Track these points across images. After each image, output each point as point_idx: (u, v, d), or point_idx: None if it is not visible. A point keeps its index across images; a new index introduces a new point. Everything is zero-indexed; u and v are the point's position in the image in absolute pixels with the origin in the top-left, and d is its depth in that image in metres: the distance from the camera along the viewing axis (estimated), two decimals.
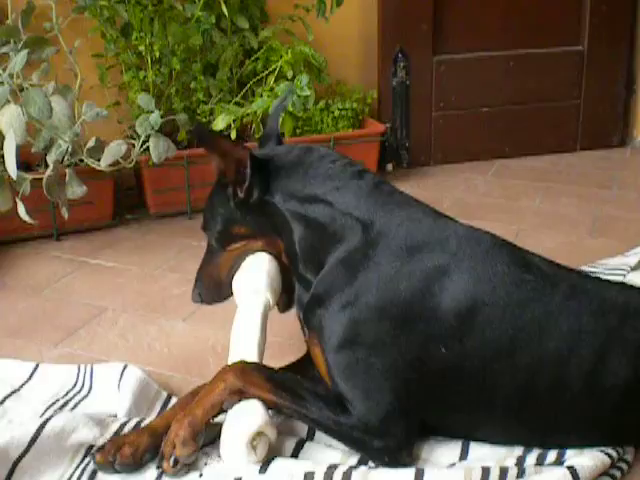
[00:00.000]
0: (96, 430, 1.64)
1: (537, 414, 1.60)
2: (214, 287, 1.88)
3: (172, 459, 1.55)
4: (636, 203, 3.19)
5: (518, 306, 1.56)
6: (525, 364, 1.56)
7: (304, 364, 1.80)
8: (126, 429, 1.68)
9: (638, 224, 2.94)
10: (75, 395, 1.88)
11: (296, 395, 1.58)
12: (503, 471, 1.53)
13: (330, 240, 1.67)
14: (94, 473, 1.58)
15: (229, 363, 1.64)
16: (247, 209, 1.76)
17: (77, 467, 1.60)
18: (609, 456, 1.58)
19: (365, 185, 1.71)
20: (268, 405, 1.58)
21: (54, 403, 1.83)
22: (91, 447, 1.63)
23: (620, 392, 1.57)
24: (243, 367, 1.60)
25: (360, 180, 1.72)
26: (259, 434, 1.54)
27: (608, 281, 1.76)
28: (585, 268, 2.40)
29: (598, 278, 1.78)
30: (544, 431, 1.62)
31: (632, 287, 1.74)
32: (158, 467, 1.57)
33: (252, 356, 1.66)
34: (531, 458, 1.60)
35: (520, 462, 1.58)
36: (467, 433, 1.66)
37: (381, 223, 1.64)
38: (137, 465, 1.58)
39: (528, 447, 1.63)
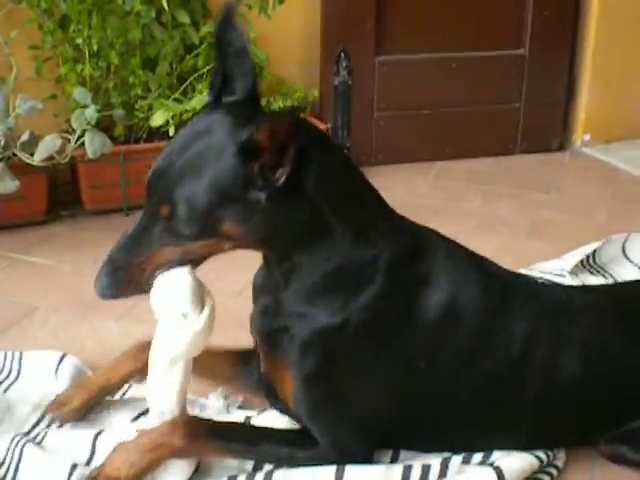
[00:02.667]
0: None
1: (495, 417, 1.63)
2: (137, 280, 1.47)
3: None
4: (574, 207, 3.22)
5: (491, 315, 1.57)
6: (490, 370, 1.57)
7: (242, 358, 1.77)
8: None
9: (575, 228, 2.97)
10: (4, 380, 1.89)
11: (249, 442, 1.54)
12: (425, 469, 1.54)
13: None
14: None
15: (154, 413, 1.53)
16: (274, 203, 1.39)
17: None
18: (538, 459, 1.60)
19: None
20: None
21: None
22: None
23: (571, 390, 1.60)
24: (188, 431, 1.49)
25: None
26: None
27: (552, 283, 1.81)
28: (522, 271, 2.41)
29: (540, 281, 1.85)
30: (491, 436, 1.64)
31: (573, 287, 1.79)
32: None
33: (176, 406, 1.52)
34: (457, 458, 1.60)
35: (445, 461, 1.59)
36: (426, 446, 1.66)
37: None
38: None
39: (467, 450, 1.63)
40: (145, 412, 1.69)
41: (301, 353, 1.50)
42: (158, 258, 1.46)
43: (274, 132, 1.30)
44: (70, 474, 1.54)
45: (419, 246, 1.57)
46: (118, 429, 1.67)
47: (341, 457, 1.53)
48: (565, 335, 1.61)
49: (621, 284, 2.09)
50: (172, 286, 1.48)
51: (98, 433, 1.65)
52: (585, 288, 1.82)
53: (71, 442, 1.64)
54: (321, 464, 1.52)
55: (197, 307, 1.48)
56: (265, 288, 1.62)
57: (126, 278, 1.47)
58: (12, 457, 1.59)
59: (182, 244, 1.43)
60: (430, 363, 1.54)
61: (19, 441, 1.61)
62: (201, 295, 1.50)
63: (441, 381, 1.56)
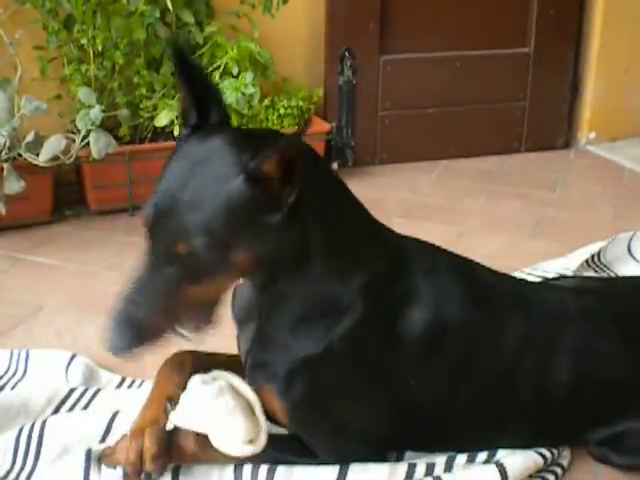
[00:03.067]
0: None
1: (487, 424, 1.63)
2: (159, 330, 1.38)
3: (143, 475, 1.49)
4: (579, 205, 3.21)
5: (478, 326, 1.57)
6: (481, 380, 1.57)
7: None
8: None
9: (580, 226, 2.96)
10: (11, 377, 1.91)
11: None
12: (430, 467, 1.55)
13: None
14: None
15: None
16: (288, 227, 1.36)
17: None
18: (542, 456, 1.60)
19: None
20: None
21: None
22: None
23: (564, 392, 1.60)
24: (200, 439, 1.51)
25: None
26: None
27: (541, 284, 1.81)
28: (526, 270, 2.42)
29: (532, 282, 1.83)
30: (492, 437, 1.64)
31: (566, 289, 1.77)
32: None
33: None
34: (462, 457, 1.61)
35: (450, 460, 1.60)
36: (429, 449, 1.66)
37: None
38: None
39: (471, 450, 1.64)
40: None
41: (286, 384, 1.48)
42: (179, 304, 1.37)
43: (282, 161, 1.27)
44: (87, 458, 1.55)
45: (400, 265, 1.54)
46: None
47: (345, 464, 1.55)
48: (555, 342, 1.60)
49: (617, 281, 2.08)
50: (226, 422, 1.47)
51: (115, 414, 1.69)
52: (579, 290, 1.78)
53: (87, 422, 1.68)
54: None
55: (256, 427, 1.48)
56: (247, 319, 1.59)
57: (147, 330, 1.36)
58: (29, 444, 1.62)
59: (200, 283, 1.35)
60: (420, 380, 1.53)
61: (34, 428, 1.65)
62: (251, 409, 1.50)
63: (434, 395, 1.55)
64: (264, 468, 1.51)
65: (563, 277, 2.12)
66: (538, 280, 2.22)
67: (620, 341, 1.64)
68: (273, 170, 1.28)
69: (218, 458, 1.52)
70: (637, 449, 1.64)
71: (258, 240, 1.34)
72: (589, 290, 1.79)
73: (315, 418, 1.53)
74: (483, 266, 1.69)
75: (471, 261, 1.68)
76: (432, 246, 1.64)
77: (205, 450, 1.51)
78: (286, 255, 1.40)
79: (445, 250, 1.65)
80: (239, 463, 1.53)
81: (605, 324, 1.65)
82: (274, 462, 1.53)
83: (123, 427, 1.63)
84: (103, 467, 1.54)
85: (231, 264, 1.34)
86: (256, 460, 1.53)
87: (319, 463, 1.54)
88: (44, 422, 1.66)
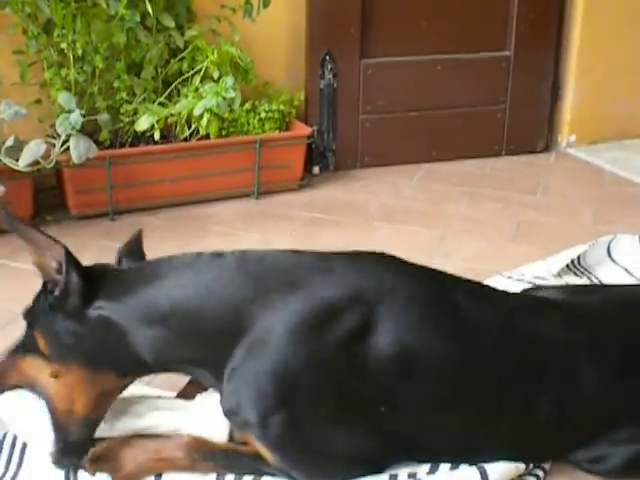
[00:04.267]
0: None
1: (467, 449, 1.61)
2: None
3: None
4: (559, 209, 3.23)
5: (451, 353, 1.53)
6: (461, 407, 1.56)
7: None
8: None
9: (561, 230, 2.97)
10: None
11: (238, 467, 1.55)
12: (411, 475, 1.56)
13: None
14: None
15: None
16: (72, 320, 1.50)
17: None
18: (524, 461, 1.60)
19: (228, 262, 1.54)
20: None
21: None
22: None
23: (544, 419, 1.58)
24: (191, 450, 1.55)
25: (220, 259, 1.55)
26: None
27: (521, 300, 1.77)
28: (506, 274, 2.42)
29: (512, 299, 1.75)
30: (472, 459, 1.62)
31: (524, 304, 1.72)
32: None
33: None
34: (445, 465, 1.61)
35: (433, 467, 1.60)
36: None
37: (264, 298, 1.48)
38: None
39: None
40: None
41: (262, 429, 1.48)
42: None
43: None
44: None
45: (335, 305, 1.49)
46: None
47: None
48: (545, 369, 1.58)
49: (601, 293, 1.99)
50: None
51: None
52: (537, 306, 1.73)
53: None
54: None
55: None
56: None
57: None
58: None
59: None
60: (391, 406, 1.51)
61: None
62: None
63: (409, 418, 1.54)
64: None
65: (539, 287, 2.11)
66: (518, 284, 2.23)
67: (605, 372, 1.62)
68: None
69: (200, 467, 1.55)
70: (619, 468, 1.62)
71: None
72: (550, 305, 1.75)
73: (300, 451, 1.52)
74: (470, 284, 1.68)
75: (452, 280, 1.66)
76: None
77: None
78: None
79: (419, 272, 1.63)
80: (221, 473, 1.53)
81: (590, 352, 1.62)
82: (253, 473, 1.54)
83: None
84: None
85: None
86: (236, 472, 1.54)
87: None
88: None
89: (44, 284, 1.54)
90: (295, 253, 1.60)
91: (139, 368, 1.55)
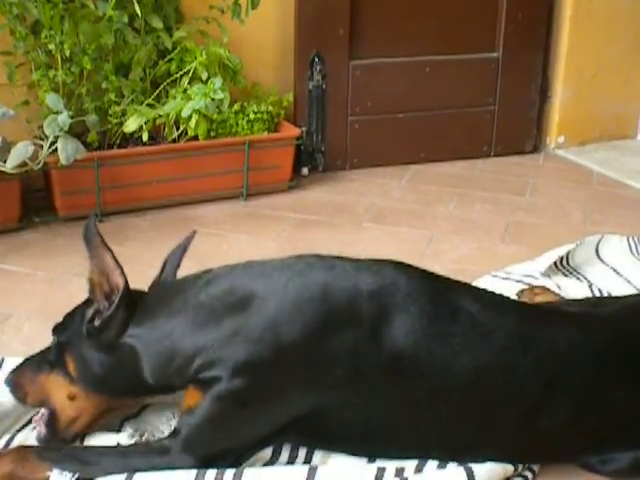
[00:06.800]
0: None
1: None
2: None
3: None
4: (548, 209, 3.23)
5: (442, 361, 1.51)
6: (449, 415, 1.55)
7: None
8: None
9: (549, 230, 2.98)
10: None
11: (79, 460, 1.51)
12: (399, 470, 1.55)
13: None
14: None
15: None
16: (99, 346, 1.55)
17: None
18: (512, 464, 1.60)
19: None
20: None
21: None
22: None
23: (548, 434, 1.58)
24: (17, 457, 1.51)
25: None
26: None
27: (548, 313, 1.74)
28: (493, 273, 2.43)
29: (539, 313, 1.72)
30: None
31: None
32: None
33: None
34: (432, 463, 1.60)
35: (420, 465, 1.59)
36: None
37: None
38: None
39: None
40: None
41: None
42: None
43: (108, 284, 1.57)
44: None
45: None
46: None
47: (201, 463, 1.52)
48: (551, 383, 1.57)
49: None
50: None
51: None
52: (551, 314, 1.71)
53: None
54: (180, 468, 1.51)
55: None
56: None
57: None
58: None
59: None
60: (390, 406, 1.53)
61: None
62: None
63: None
64: (230, 473, 1.49)
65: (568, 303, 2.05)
66: (504, 283, 2.23)
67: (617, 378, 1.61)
68: None
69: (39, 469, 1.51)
70: (624, 470, 1.61)
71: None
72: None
73: (240, 422, 1.52)
74: (478, 293, 1.67)
75: (456, 289, 1.64)
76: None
77: None
78: None
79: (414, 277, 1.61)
80: (202, 469, 1.51)
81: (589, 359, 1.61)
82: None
83: None
84: None
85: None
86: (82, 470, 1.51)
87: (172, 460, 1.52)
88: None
89: (86, 301, 1.59)
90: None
91: (145, 391, 1.62)
